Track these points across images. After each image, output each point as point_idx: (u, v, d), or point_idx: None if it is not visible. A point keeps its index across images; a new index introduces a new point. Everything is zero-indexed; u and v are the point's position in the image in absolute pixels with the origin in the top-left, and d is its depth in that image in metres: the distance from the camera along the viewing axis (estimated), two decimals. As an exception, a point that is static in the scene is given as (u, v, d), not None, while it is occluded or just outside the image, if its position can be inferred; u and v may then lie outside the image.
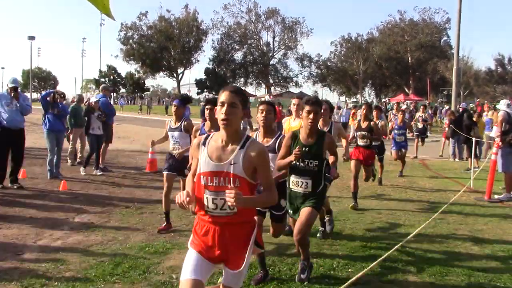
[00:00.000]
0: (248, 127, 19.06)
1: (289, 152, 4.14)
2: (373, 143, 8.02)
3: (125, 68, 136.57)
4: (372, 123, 7.86)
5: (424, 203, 7.89)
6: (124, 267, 4.41)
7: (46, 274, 4.20)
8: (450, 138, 14.19)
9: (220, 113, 2.52)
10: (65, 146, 11.20)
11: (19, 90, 8.23)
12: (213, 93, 67.33)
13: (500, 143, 8.33)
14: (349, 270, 4.50)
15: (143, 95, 71.81)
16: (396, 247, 4.89)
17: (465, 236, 5.81)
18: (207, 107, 5.17)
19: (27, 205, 6.90)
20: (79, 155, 11.34)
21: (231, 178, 2.51)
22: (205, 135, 2.73)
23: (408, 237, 5.29)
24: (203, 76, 69.46)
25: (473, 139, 11.27)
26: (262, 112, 4.30)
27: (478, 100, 39.92)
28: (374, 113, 9.44)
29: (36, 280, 4.04)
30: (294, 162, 4.05)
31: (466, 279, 4.35)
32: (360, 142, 7.76)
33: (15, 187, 8.05)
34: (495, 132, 10.12)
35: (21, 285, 3.95)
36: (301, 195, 4.20)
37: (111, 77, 71.97)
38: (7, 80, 8.46)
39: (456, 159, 14.22)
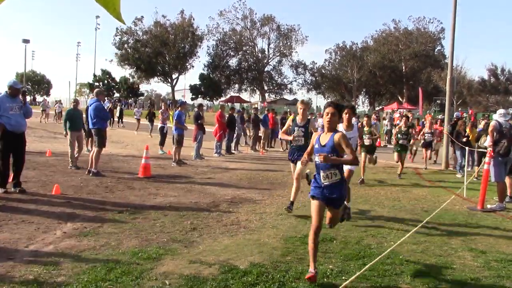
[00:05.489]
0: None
1: None
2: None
3: (120, 72, 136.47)
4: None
5: (418, 212, 7.92)
6: (117, 272, 4.37)
7: (38, 279, 4.15)
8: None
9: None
10: (65, 150, 11.14)
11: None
12: (207, 98, 67.36)
13: (492, 153, 8.39)
14: (343, 278, 4.49)
15: (137, 99, 71.79)
16: (386, 251, 4.90)
17: (458, 245, 5.83)
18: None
19: (19, 209, 6.83)
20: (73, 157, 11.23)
21: None
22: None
23: (397, 242, 5.30)
24: (197, 82, 69.53)
25: (467, 148, 11.33)
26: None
27: (470, 109, 40.17)
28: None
29: (27, 285, 4.00)
30: None
31: (459, 288, 4.37)
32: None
33: (17, 191, 7.93)
34: (487, 142, 10.21)
35: (12, 290, 3.90)
36: None
37: (106, 82, 71.79)
38: (3, 83, 8.40)
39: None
